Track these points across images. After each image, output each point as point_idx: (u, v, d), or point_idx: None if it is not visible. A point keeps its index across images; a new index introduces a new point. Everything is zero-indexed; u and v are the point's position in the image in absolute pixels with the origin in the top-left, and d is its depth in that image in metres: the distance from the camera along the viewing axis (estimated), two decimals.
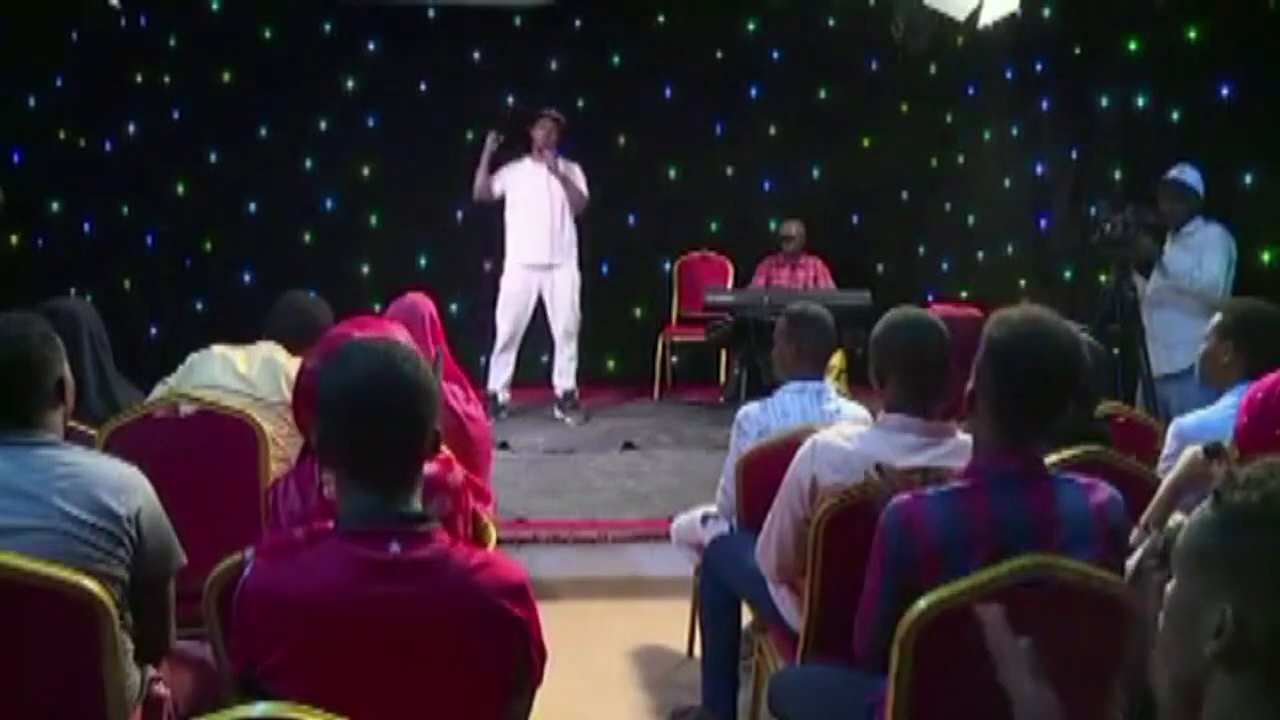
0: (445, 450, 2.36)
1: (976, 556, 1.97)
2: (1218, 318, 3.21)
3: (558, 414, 7.07)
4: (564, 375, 7.12)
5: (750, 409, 3.45)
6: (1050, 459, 2.45)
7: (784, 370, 3.50)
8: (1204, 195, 4.86)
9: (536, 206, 6.82)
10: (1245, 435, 2.34)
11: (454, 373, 3.44)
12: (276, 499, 2.32)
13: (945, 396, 2.54)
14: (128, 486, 2.21)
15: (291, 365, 3.39)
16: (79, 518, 2.12)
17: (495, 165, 6.86)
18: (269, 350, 3.44)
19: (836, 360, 6.28)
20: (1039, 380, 2.03)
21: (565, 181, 6.80)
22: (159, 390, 3.44)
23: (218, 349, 3.45)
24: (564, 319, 7.01)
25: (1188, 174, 4.88)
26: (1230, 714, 1.14)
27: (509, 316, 6.92)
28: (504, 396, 7.05)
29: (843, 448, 2.62)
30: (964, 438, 2.43)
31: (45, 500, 2.11)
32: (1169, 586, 1.22)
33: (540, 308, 7.02)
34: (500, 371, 6.98)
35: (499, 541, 2.60)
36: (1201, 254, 4.77)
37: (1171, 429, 3.07)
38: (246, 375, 3.35)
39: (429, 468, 2.16)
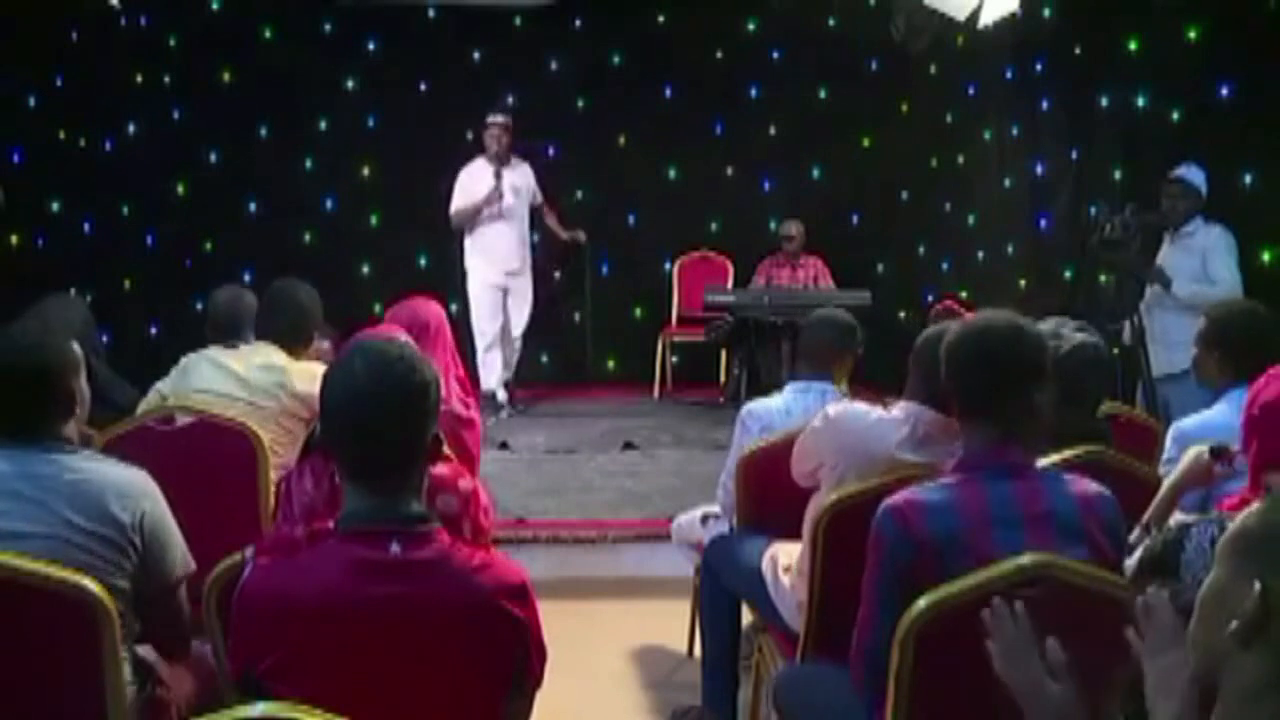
0: (451, 456, 2.36)
1: (973, 553, 1.97)
2: (1201, 324, 3.22)
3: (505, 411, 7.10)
4: (509, 368, 7.16)
5: (754, 406, 3.46)
6: (1051, 459, 2.46)
7: (800, 369, 3.55)
8: (1206, 196, 4.86)
9: (502, 215, 6.83)
10: (1253, 433, 2.32)
11: (456, 374, 3.43)
12: (290, 485, 2.33)
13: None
14: (133, 491, 2.20)
15: (294, 368, 3.35)
16: (82, 526, 2.11)
17: (456, 170, 6.90)
18: (265, 354, 3.39)
19: None
20: (988, 361, 2.10)
21: (518, 192, 6.86)
22: (152, 397, 3.40)
23: (209, 352, 3.41)
24: (519, 324, 7.07)
25: (1193, 173, 4.87)
26: (1247, 692, 1.13)
27: (485, 317, 6.93)
28: (501, 395, 7.06)
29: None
30: None
31: (49, 507, 2.10)
32: (1206, 579, 1.23)
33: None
34: (490, 371, 6.98)
35: (498, 541, 2.60)
36: (1206, 259, 4.75)
37: (1171, 432, 3.07)
38: (245, 378, 3.31)
39: (440, 468, 2.17)
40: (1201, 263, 4.77)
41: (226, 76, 7.90)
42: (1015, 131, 6.92)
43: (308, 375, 3.25)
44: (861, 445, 2.61)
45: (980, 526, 2.01)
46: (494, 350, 6.97)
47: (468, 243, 6.93)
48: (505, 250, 6.89)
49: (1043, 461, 2.28)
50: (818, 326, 3.54)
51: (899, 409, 2.64)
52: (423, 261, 8.12)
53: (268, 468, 3.05)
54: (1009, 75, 6.90)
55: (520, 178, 6.93)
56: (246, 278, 7.63)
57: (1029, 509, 2.04)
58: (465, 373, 3.50)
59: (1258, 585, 1.13)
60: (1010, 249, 6.97)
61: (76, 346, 2.30)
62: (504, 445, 6.27)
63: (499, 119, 6.83)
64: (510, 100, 7.88)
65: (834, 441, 2.70)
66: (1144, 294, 4.99)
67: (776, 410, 3.39)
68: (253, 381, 3.31)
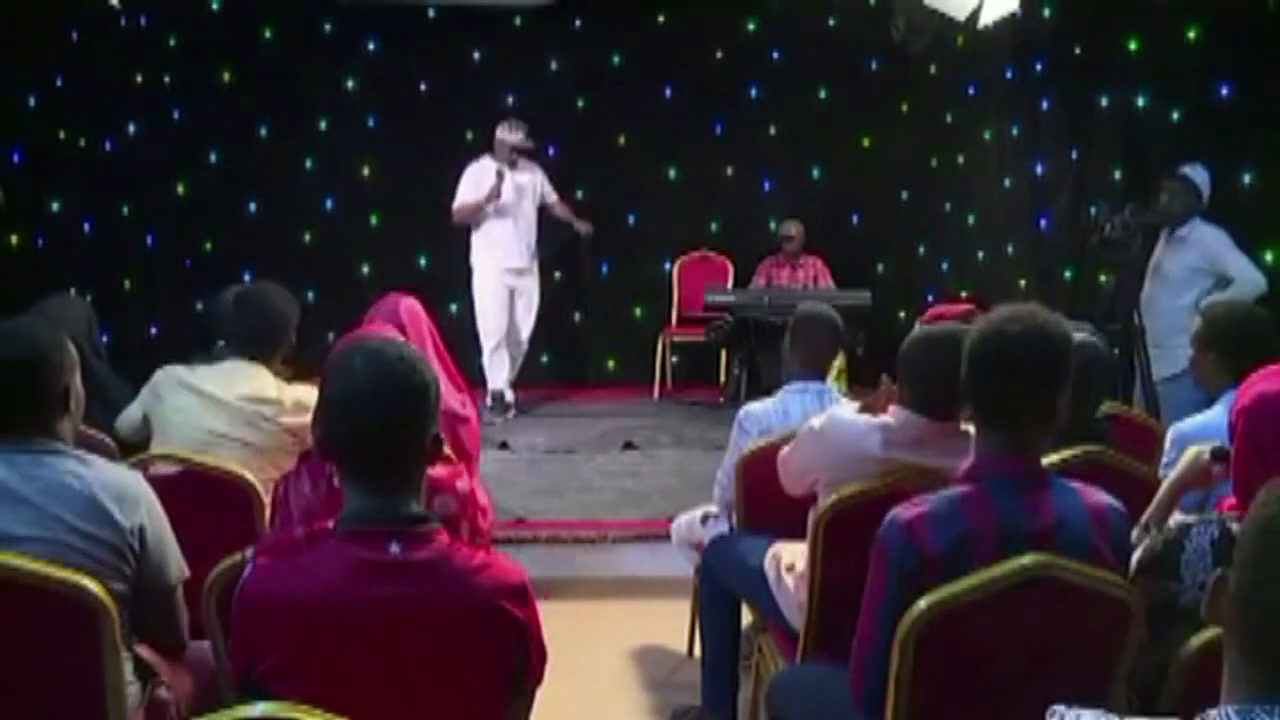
0: (451, 456, 2.36)
1: (979, 562, 1.96)
2: (1195, 326, 3.21)
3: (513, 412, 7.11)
4: (514, 369, 7.14)
5: (752, 408, 3.45)
6: (1050, 459, 2.45)
7: (791, 369, 3.51)
8: (1207, 200, 4.85)
9: (509, 214, 6.84)
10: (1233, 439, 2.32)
11: (448, 369, 3.39)
12: (288, 490, 2.33)
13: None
14: (130, 496, 2.18)
15: (286, 399, 3.12)
16: (80, 529, 2.10)
17: (461, 169, 6.89)
18: (252, 380, 3.12)
19: (837, 361, 6.28)
20: (1015, 368, 2.01)
21: (523, 190, 6.88)
22: (124, 427, 3.23)
23: (180, 373, 3.14)
24: (525, 327, 7.07)
25: (1197, 173, 4.85)
26: (1226, 683, 1.21)
27: (493, 316, 6.91)
28: (510, 395, 7.05)
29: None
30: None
31: (47, 510, 2.08)
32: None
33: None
34: (498, 370, 6.97)
35: (497, 541, 2.59)
36: (1214, 261, 4.73)
37: (1171, 434, 3.07)
38: (229, 405, 3.05)
39: (436, 470, 2.16)
40: (1199, 262, 4.77)
41: (226, 76, 7.90)
42: (1015, 131, 6.92)
43: (300, 407, 3.06)
44: (853, 453, 2.60)
45: (987, 540, 1.98)
46: (501, 350, 6.96)
47: (475, 239, 6.92)
48: (512, 246, 6.88)
49: (1043, 461, 2.26)
50: (810, 325, 3.50)
51: (890, 415, 2.63)
52: (423, 261, 8.11)
53: (264, 520, 2.71)
54: (1009, 75, 6.90)
55: (527, 178, 6.93)
56: (246, 278, 7.64)
57: (1038, 522, 2.01)
58: (456, 368, 3.45)
59: (1218, 571, 1.22)
60: (1010, 249, 6.97)
61: (72, 345, 2.28)
62: (504, 445, 6.27)
63: (518, 139, 6.78)
64: (510, 100, 7.88)
65: (823, 454, 2.69)
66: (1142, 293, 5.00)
67: (775, 413, 3.38)
68: (240, 412, 3.06)
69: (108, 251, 7.32)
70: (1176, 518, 2.33)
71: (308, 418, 2.90)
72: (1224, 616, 1.21)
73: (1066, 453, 2.66)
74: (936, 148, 7.79)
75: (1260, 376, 2.18)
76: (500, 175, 6.69)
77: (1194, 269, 4.79)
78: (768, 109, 8.34)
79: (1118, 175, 5.88)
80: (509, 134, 6.79)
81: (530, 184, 6.95)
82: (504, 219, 6.84)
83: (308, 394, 3.05)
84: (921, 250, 8.09)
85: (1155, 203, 4.99)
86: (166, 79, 7.76)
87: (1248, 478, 2.09)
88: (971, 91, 7.41)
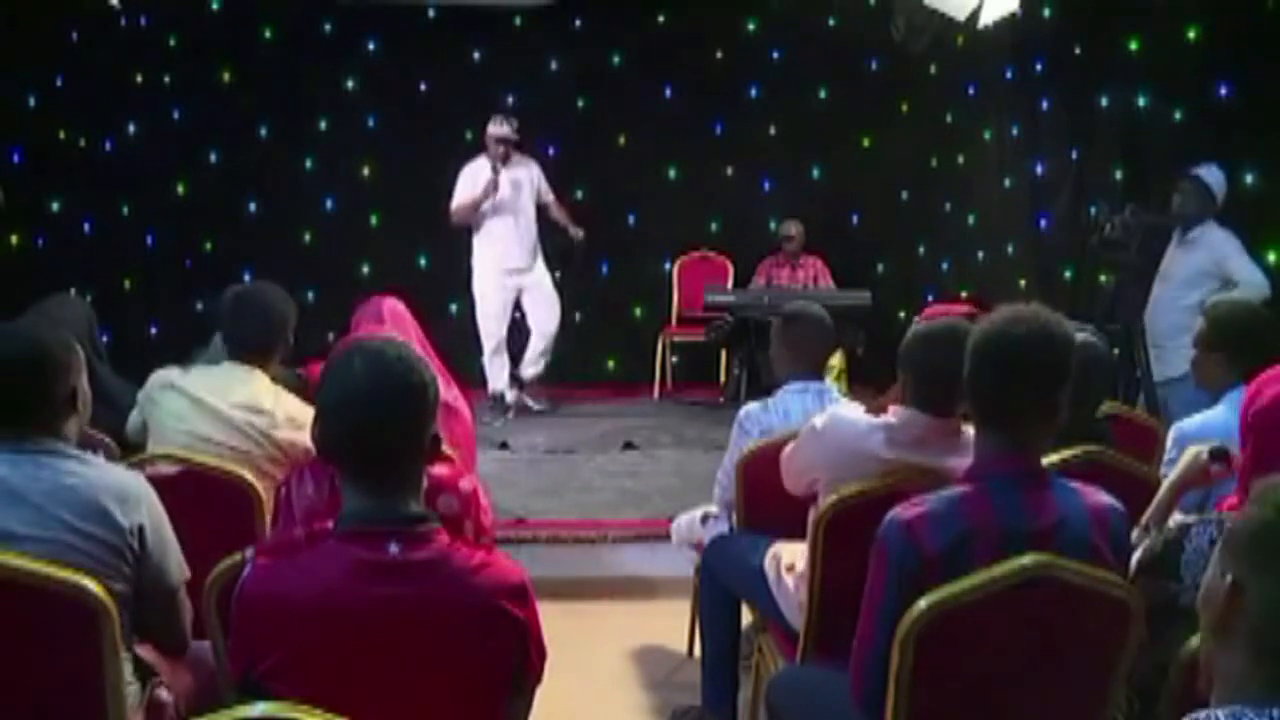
0: (451, 454, 2.36)
1: (979, 562, 1.96)
2: (1199, 327, 3.21)
3: (529, 403, 7.14)
4: (535, 365, 7.13)
5: (752, 408, 3.45)
6: (1050, 459, 2.45)
7: (782, 371, 3.50)
8: (1220, 201, 4.82)
9: (508, 211, 6.82)
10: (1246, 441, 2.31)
11: (436, 365, 3.37)
12: (290, 491, 2.32)
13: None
14: (131, 497, 2.18)
15: (279, 413, 3.03)
16: (81, 529, 2.10)
17: (457, 169, 6.88)
18: (248, 387, 3.05)
19: (836, 360, 6.29)
20: (1018, 370, 2.02)
21: (520, 187, 6.85)
22: (130, 433, 3.21)
23: (174, 376, 3.08)
24: (548, 321, 7.03)
25: (1211, 174, 4.80)
26: (1230, 681, 1.19)
27: (493, 319, 6.90)
28: (510, 396, 7.05)
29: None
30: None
31: (48, 511, 2.08)
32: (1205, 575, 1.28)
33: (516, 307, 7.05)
34: (499, 371, 6.97)
35: (498, 541, 2.58)
36: (1221, 264, 4.72)
37: (1172, 433, 3.07)
38: (224, 415, 2.98)
39: (440, 469, 2.16)
40: (1207, 264, 4.75)
41: (226, 76, 7.90)
42: (1015, 131, 6.91)
43: (291, 422, 3.01)
44: (854, 453, 2.60)
45: (987, 540, 1.98)
46: (501, 353, 6.94)
47: (475, 240, 6.90)
48: (511, 245, 6.85)
49: (1043, 461, 2.26)
50: (799, 325, 3.49)
51: (891, 414, 2.63)
52: (423, 261, 8.12)
53: (264, 521, 2.68)
54: (1009, 75, 6.90)
55: (524, 174, 6.90)
56: (246, 278, 7.64)
57: (1038, 521, 2.01)
58: (446, 365, 3.42)
59: (1229, 578, 1.20)
60: (1010, 249, 6.97)
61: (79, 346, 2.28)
62: (504, 445, 6.27)
63: (504, 131, 6.72)
64: (510, 100, 7.87)
65: (824, 453, 2.69)
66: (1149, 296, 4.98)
67: (775, 413, 3.37)
68: (230, 420, 2.99)
69: (108, 251, 7.32)
70: (1176, 518, 2.33)
71: (299, 435, 2.92)
72: (1234, 621, 1.20)
73: (1066, 453, 2.66)
74: (936, 148, 7.79)
75: (1271, 378, 2.18)
76: (495, 171, 6.67)
77: (1201, 271, 4.77)
78: (768, 109, 8.34)
79: (1118, 175, 5.88)
80: (497, 127, 6.75)
81: (527, 179, 6.90)
82: (503, 217, 6.81)
83: (301, 410, 3.01)
84: (921, 250, 8.09)
85: (1160, 203, 4.97)
86: (166, 79, 7.76)
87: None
88: (971, 91, 7.40)
